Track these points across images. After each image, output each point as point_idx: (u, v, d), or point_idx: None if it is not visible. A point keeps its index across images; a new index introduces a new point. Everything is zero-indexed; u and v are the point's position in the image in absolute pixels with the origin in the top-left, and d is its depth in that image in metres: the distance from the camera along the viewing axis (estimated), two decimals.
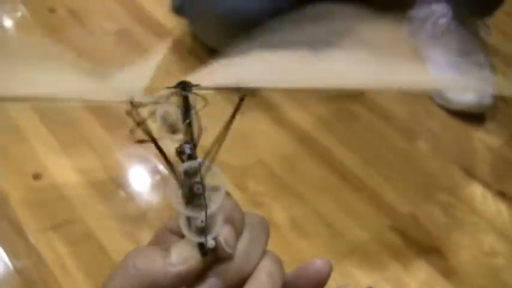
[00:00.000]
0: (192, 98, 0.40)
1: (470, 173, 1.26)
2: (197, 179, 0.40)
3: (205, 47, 1.46)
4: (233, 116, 0.39)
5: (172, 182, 0.40)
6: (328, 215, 1.15)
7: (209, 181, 0.40)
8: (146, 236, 1.09)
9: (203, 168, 0.40)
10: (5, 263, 1.04)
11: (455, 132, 1.35)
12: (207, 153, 0.40)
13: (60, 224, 1.10)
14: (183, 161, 0.40)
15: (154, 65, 0.44)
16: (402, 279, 1.07)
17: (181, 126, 0.40)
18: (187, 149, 0.40)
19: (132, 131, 0.40)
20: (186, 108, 0.40)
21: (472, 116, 1.38)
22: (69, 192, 1.16)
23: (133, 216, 1.13)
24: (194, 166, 0.40)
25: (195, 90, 0.40)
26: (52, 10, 1.59)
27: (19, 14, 1.58)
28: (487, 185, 1.24)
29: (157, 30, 1.55)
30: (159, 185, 1.19)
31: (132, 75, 0.43)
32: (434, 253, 1.12)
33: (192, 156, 0.40)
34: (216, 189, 0.40)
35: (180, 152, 0.40)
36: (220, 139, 0.40)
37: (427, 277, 1.08)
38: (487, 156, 1.31)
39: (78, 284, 1.02)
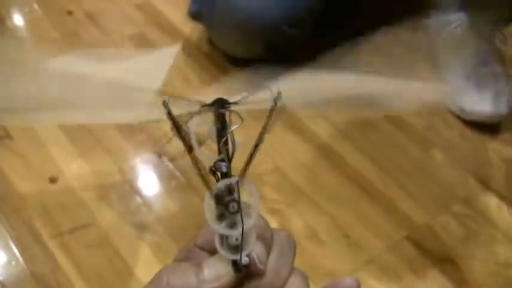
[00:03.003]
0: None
1: (485, 184, 1.26)
2: (232, 197, 0.39)
3: (222, 53, 1.46)
4: (265, 128, 0.39)
5: (208, 200, 0.39)
6: (344, 225, 1.15)
7: (242, 198, 0.40)
8: (162, 242, 1.09)
9: (239, 186, 0.39)
10: (21, 267, 1.04)
11: (471, 143, 1.35)
12: (242, 171, 0.40)
13: (76, 228, 1.10)
14: (217, 179, 0.40)
15: (167, 66, 0.44)
16: None
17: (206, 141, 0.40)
18: (223, 167, 0.40)
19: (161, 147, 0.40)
20: (222, 126, 0.40)
21: (488, 127, 1.37)
22: (85, 196, 1.16)
23: (149, 221, 1.13)
24: (230, 184, 0.39)
25: (232, 108, 0.39)
26: (69, 12, 1.60)
27: (36, 16, 1.59)
28: (502, 196, 1.24)
29: (174, 35, 1.55)
30: (175, 190, 1.19)
31: (145, 76, 0.43)
32: (449, 264, 1.11)
33: (227, 174, 0.40)
34: (249, 206, 0.40)
35: (214, 170, 0.40)
36: (252, 155, 0.40)
37: None
38: (503, 167, 1.30)
39: None
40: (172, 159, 1.21)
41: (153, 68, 0.45)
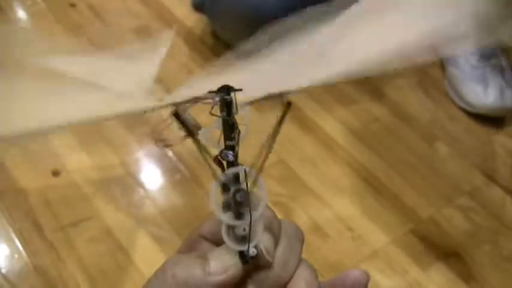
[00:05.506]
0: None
1: (490, 177, 1.25)
2: (239, 187, 0.39)
3: (225, 45, 1.46)
4: (280, 123, 0.38)
5: (215, 190, 0.39)
6: (348, 218, 1.15)
7: (250, 188, 0.39)
8: (165, 235, 1.09)
9: (247, 176, 0.39)
10: (24, 260, 1.04)
11: (476, 136, 1.34)
12: (258, 166, 0.39)
13: (79, 221, 1.10)
14: (223, 169, 0.39)
15: (162, 54, 0.43)
16: (422, 283, 1.07)
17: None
18: (230, 156, 0.39)
19: (156, 135, 0.39)
20: (228, 114, 0.39)
21: (493, 120, 1.37)
22: (87, 189, 1.15)
23: (152, 214, 1.13)
24: (238, 173, 0.39)
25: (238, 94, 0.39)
26: (72, 5, 1.59)
27: (39, 8, 1.58)
28: (507, 189, 1.23)
29: (177, 28, 1.54)
30: (179, 183, 1.18)
31: (140, 65, 0.43)
32: (454, 257, 1.11)
33: (234, 163, 0.39)
34: (256, 196, 0.40)
35: (220, 159, 0.39)
36: (266, 147, 0.39)
37: (446, 281, 1.08)
38: (508, 160, 1.30)
39: (96, 282, 1.02)
40: (170, 147, 1.20)
41: (148, 56, 0.45)
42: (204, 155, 0.38)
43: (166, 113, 0.39)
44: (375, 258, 1.09)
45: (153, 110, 0.39)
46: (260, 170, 0.39)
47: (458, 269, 1.09)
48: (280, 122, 0.38)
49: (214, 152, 0.40)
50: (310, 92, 1.36)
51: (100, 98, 0.40)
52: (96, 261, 1.05)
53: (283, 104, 0.38)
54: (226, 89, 0.38)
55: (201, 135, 0.39)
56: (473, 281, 1.08)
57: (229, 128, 0.39)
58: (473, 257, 1.11)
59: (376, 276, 1.06)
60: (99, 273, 1.03)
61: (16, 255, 1.04)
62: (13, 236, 1.07)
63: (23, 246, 1.06)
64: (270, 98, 0.39)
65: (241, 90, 0.39)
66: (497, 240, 1.15)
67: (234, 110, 0.38)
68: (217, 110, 0.39)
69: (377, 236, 1.12)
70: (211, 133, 0.40)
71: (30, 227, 1.09)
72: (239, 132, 0.39)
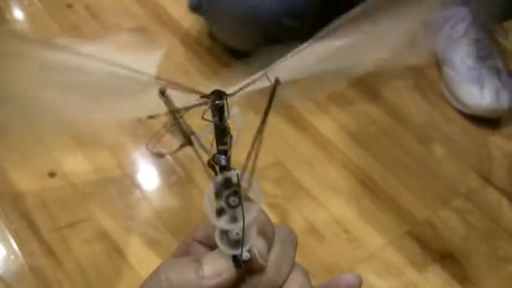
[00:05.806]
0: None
1: (486, 179, 1.25)
2: (233, 191, 0.39)
3: (222, 46, 1.46)
4: (269, 107, 0.38)
5: (208, 194, 0.39)
6: (344, 220, 1.14)
7: (243, 192, 0.39)
8: (161, 237, 1.09)
9: (240, 180, 0.39)
10: (20, 261, 1.04)
11: (472, 137, 1.34)
12: (246, 165, 0.39)
13: (75, 222, 1.10)
14: (215, 173, 0.39)
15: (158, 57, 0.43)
16: (418, 284, 1.07)
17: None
18: (222, 160, 0.39)
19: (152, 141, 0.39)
20: (220, 118, 0.39)
21: (489, 121, 1.37)
22: (84, 190, 1.15)
23: (148, 215, 1.13)
24: (230, 177, 0.39)
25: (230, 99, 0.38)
26: (69, 6, 1.59)
27: (36, 9, 1.58)
28: (503, 191, 1.23)
29: (174, 29, 1.54)
30: (175, 185, 1.18)
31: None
32: (450, 259, 1.11)
33: (226, 168, 0.39)
34: (249, 200, 0.40)
35: (212, 163, 0.39)
36: (255, 147, 0.39)
37: (442, 283, 1.08)
38: (504, 162, 1.30)
39: (92, 283, 1.02)
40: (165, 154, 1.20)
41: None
42: (202, 161, 0.38)
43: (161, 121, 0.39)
44: (371, 260, 1.09)
45: (149, 116, 0.39)
46: (253, 173, 0.39)
47: (454, 271, 1.09)
48: (270, 102, 0.38)
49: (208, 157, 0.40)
50: (306, 92, 1.36)
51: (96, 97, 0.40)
52: (92, 262, 1.05)
53: (271, 83, 0.38)
54: (217, 94, 0.38)
55: (194, 140, 0.39)
56: (469, 283, 1.08)
57: (222, 133, 0.39)
58: (469, 259, 1.11)
59: (372, 278, 1.06)
60: (95, 274, 1.03)
61: (12, 256, 1.04)
62: (9, 236, 1.07)
63: (19, 247, 1.05)
64: (257, 81, 0.39)
65: (233, 95, 0.38)
66: (493, 241, 1.15)
67: (226, 114, 0.38)
68: (209, 115, 0.38)
69: (373, 238, 1.12)
70: (204, 138, 0.39)
71: (27, 227, 1.08)
72: (231, 136, 0.39)
